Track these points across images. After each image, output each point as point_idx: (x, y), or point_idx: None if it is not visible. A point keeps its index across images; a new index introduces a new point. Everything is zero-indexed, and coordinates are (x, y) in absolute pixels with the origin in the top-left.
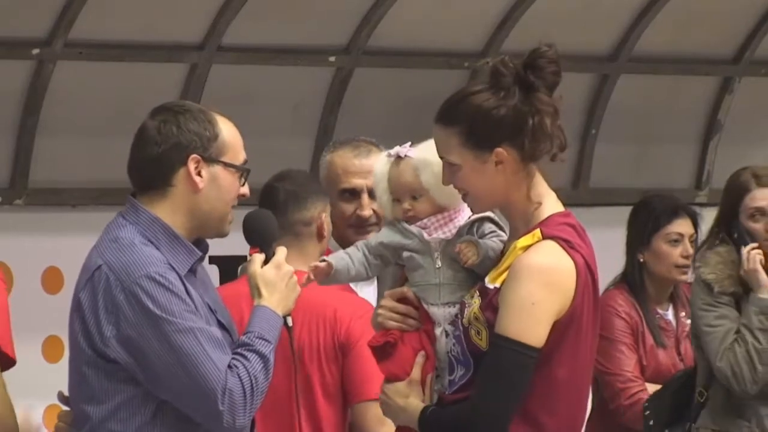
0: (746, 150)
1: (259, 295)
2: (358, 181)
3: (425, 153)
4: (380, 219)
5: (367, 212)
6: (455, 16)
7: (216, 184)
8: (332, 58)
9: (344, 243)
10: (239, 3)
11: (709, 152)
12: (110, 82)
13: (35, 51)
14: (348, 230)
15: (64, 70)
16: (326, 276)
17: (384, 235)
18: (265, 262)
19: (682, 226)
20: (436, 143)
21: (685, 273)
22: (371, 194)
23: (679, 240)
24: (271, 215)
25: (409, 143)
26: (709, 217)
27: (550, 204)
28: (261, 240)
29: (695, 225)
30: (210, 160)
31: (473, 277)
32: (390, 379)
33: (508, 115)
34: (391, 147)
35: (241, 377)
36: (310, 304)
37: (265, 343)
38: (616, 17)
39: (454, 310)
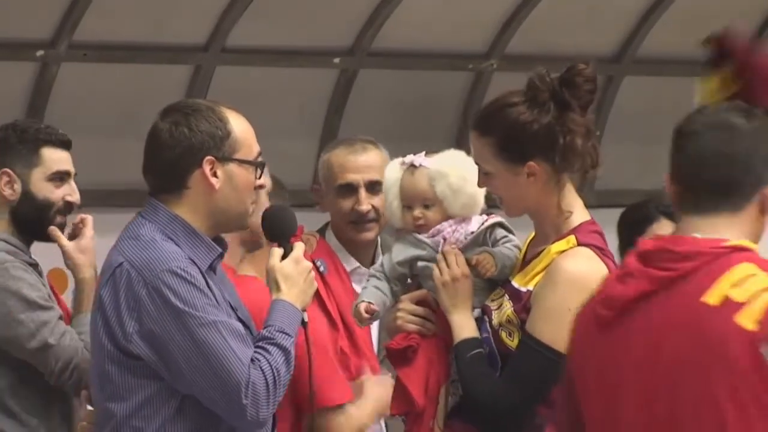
0: None
1: (278, 289)
2: (354, 176)
3: (441, 164)
4: (379, 215)
5: (365, 207)
6: (459, 18)
7: (232, 182)
8: (336, 60)
9: (345, 240)
10: (243, 4)
11: None
12: (114, 84)
13: (39, 53)
14: (348, 227)
15: (69, 72)
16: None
17: (397, 254)
18: (284, 257)
19: (657, 230)
20: (472, 150)
21: None
22: (368, 189)
23: None
24: (290, 210)
25: (424, 152)
26: None
27: (580, 213)
28: (280, 235)
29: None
30: (224, 159)
31: (490, 282)
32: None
33: (541, 132)
34: (396, 148)
35: (264, 370)
36: None
37: (285, 336)
38: (621, 19)
39: (476, 313)
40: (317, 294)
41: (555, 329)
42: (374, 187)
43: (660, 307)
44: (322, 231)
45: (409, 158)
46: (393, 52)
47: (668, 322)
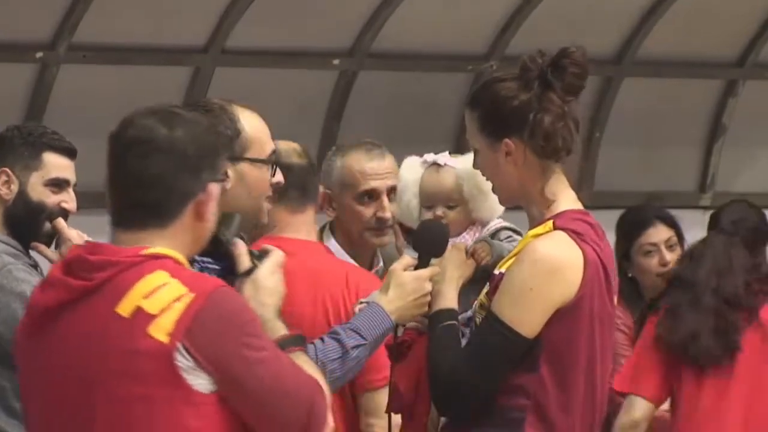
0: (750, 153)
1: (385, 292)
2: (378, 183)
3: (469, 163)
4: (394, 220)
5: (388, 214)
6: (459, 19)
7: (244, 182)
8: (336, 61)
9: (362, 246)
10: (243, 6)
11: (713, 155)
12: (114, 86)
13: (39, 54)
14: (366, 233)
15: (68, 74)
16: None
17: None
18: (414, 268)
19: (653, 235)
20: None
21: None
22: (387, 194)
23: (653, 250)
24: (447, 231)
25: (448, 152)
26: None
27: (567, 202)
28: (425, 248)
29: (672, 226)
30: (234, 158)
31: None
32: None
33: (518, 108)
34: (395, 149)
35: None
36: None
37: (354, 335)
38: (621, 20)
39: (469, 313)
40: None
41: (517, 309)
42: (391, 192)
43: (78, 317)
44: (319, 232)
45: (432, 157)
46: (393, 54)
47: (83, 333)
